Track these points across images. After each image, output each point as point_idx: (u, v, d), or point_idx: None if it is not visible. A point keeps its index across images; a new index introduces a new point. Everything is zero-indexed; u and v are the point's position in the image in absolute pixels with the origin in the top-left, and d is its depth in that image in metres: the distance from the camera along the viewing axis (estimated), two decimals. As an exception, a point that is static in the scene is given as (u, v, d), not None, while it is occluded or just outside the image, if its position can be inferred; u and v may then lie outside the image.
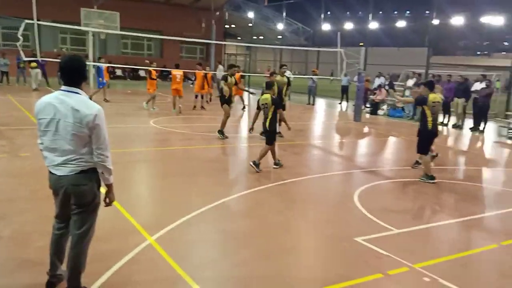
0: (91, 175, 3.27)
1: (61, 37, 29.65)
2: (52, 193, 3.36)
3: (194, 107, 15.97)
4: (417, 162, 8.34)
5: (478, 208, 6.48)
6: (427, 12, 21.18)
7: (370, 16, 24.00)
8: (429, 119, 7.38)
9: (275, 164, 7.91)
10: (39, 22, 11.92)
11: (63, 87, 3.20)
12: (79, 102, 3.13)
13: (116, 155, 8.05)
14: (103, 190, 3.38)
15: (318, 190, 7.12)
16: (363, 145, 11.66)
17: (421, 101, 7.43)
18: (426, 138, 7.52)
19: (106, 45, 30.41)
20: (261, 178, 7.21)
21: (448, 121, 15.36)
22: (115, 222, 4.97)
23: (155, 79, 15.01)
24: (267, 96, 7.77)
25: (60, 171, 3.20)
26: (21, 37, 10.60)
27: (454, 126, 15.00)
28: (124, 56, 31.21)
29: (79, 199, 3.26)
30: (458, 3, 44.90)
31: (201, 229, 5.02)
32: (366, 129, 14.28)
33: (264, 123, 7.76)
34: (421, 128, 7.53)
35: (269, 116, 7.65)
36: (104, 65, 17.00)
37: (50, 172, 3.27)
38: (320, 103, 22.54)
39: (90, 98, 12.24)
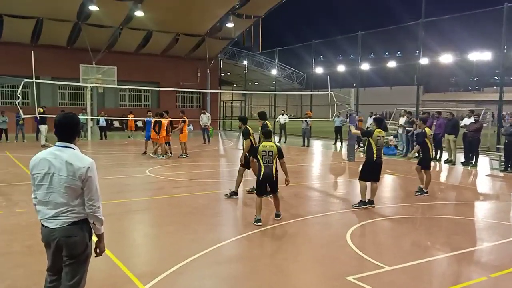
0: (82, 226, 3.38)
1: (60, 93, 30.39)
2: (44, 246, 3.46)
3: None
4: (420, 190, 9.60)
5: (469, 242, 6.54)
6: (417, 52, 21.86)
7: (360, 58, 24.75)
8: (374, 150, 8.34)
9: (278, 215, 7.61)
10: (38, 81, 12.39)
11: (57, 143, 3.39)
12: (72, 155, 3.32)
13: (112, 205, 8.19)
14: (94, 239, 3.51)
15: (311, 230, 7.20)
16: (357, 184, 11.77)
17: (366, 133, 8.71)
18: (368, 167, 8.49)
19: (104, 98, 31.12)
20: (252, 223, 7.28)
21: (440, 156, 15.60)
22: (109, 272, 5.04)
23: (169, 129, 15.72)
24: (272, 144, 7.45)
25: (52, 224, 3.33)
26: (19, 96, 10.96)
27: (447, 161, 15.22)
28: (121, 108, 31.84)
29: (70, 250, 3.34)
30: (446, 42, 46.42)
31: (194, 275, 5.08)
32: (360, 168, 14.41)
33: (269, 174, 7.28)
34: (366, 158, 8.59)
35: (275, 165, 7.35)
36: (152, 119, 16.89)
37: (43, 225, 3.39)
38: (315, 145, 22.84)
39: (156, 153, 11.83)
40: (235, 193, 9.17)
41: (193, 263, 5.39)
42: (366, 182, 8.46)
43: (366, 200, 8.42)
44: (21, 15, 24.66)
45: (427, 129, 9.51)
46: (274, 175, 7.32)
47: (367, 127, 18.90)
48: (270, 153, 7.29)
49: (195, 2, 26.08)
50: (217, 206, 8.79)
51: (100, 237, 3.51)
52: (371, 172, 8.46)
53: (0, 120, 20.82)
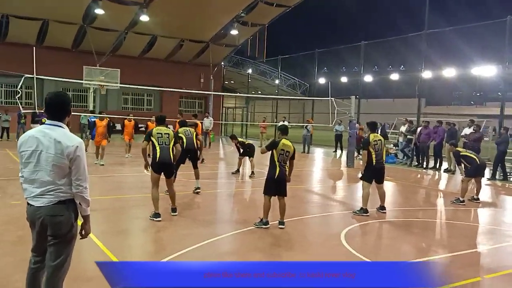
0: (68, 206, 3.33)
1: (63, 94, 30.41)
2: (29, 226, 3.41)
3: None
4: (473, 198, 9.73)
5: (466, 245, 6.48)
6: (421, 66, 21.81)
7: (362, 67, 24.76)
8: (373, 155, 8.02)
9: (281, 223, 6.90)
10: (39, 77, 12.39)
11: (47, 121, 3.35)
12: (62, 134, 3.29)
13: (109, 201, 8.18)
14: (79, 222, 3.46)
15: (307, 230, 7.15)
16: (355, 189, 11.71)
17: (364, 144, 8.23)
18: (369, 171, 8.13)
19: (107, 101, 31.18)
20: (249, 220, 7.22)
21: (440, 165, 15.53)
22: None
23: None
24: (290, 144, 6.85)
25: (37, 202, 3.28)
26: (20, 91, 10.98)
27: (446, 170, 15.14)
28: (124, 111, 31.87)
29: (55, 229, 3.30)
30: (449, 56, 46.51)
31: (183, 267, 5.03)
32: (359, 175, 14.35)
33: (284, 175, 6.77)
34: (366, 163, 8.16)
35: (288, 165, 6.86)
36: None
37: (28, 204, 3.35)
38: (316, 152, 22.78)
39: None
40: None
41: (184, 256, 5.35)
42: (370, 189, 8.03)
43: (368, 208, 8.00)
44: (27, 16, 24.82)
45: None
46: (287, 177, 6.82)
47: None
48: (287, 154, 6.75)
49: (200, 9, 26.20)
50: (212, 204, 8.75)
51: (86, 218, 3.46)
52: (372, 176, 8.14)
53: (3, 118, 20.84)
